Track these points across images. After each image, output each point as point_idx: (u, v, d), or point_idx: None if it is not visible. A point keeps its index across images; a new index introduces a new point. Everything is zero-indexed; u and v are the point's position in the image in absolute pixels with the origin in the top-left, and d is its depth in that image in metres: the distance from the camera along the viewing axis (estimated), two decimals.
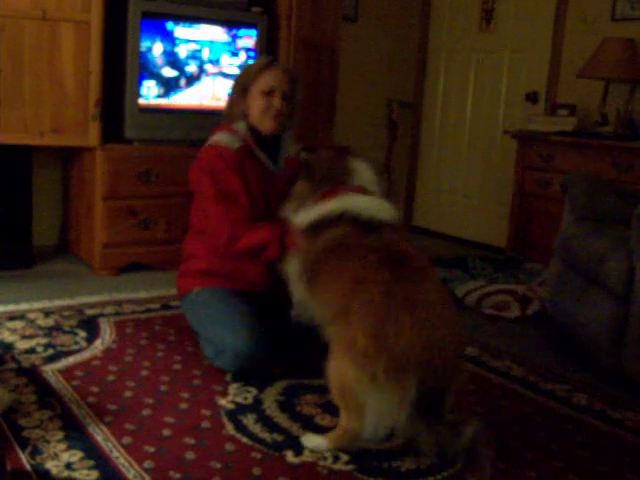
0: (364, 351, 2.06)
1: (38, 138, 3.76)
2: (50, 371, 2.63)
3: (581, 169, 4.12)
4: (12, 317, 3.15)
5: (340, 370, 2.14)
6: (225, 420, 2.35)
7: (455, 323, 2.16)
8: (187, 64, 4.05)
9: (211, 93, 4.18)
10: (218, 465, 2.08)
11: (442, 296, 2.18)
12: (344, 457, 2.18)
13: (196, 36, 4.06)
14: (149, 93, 3.97)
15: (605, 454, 2.34)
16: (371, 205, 2.40)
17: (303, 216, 2.45)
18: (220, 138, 2.83)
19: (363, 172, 2.53)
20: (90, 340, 2.96)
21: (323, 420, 2.40)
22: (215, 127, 2.94)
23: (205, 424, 2.32)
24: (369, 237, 2.29)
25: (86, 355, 2.80)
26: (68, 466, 2.01)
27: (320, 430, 2.32)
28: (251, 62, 3.06)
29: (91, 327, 3.10)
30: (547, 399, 2.73)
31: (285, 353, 2.86)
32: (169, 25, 3.96)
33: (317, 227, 2.39)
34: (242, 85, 2.88)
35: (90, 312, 3.29)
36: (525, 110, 5.03)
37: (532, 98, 5.00)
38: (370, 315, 2.10)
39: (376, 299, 2.11)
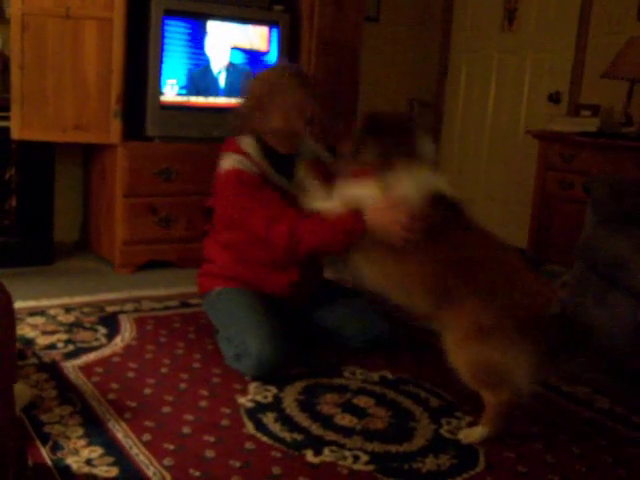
0: (493, 326, 2.25)
1: (60, 135, 3.78)
2: (70, 367, 2.64)
3: (604, 170, 4.07)
4: (33, 313, 3.17)
5: (479, 354, 2.28)
6: (245, 418, 2.35)
7: (534, 277, 2.43)
8: (209, 61, 4.05)
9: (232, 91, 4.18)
10: (237, 464, 2.08)
11: (519, 260, 2.46)
12: (364, 457, 2.17)
13: (218, 33, 4.06)
14: (171, 91, 3.98)
15: (627, 459, 2.31)
16: (446, 183, 2.49)
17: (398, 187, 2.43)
18: (237, 164, 2.71)
19: (426, 141, 2.51)
20: (110, 337, 2.97)
21: (343, 420, 2.39)
22: (224, 146, 2.84)
23: (225, 422, 2.32)
24: (458, 223, 2.44)
25: (106, 351, 2.81)
26: (88, 462, 2.02)
27: (341, 430, 2.32)
28: (270, 71, 2.81)
29: (111, 324, 3.11)
30: (568, 402, 2.70)
31: (305, 351, 2.86)
32: (191, 22, 3.97)
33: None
34: (261, 101, 2.71)
35: (110, 309, 3.30)
36: (547, 110, 4.99)
37: (555, 98, 4.96)
38: (482, 294, 2.30)
39: (480, 279, 2.31)
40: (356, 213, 2.45)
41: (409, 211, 2.34)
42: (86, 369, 2.63)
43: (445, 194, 2.42)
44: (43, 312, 3.19)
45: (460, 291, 2.32)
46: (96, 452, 2.08)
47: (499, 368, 2.27)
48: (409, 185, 2.39)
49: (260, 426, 2.31)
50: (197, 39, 4.00)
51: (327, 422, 2.37)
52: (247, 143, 2.78)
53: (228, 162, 2.74)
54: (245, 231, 2.74)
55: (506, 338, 2.25)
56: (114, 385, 2.52)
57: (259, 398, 2.51)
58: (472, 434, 2.34)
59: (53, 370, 2.60)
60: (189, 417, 2.33)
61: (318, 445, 2.22)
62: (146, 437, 2.18)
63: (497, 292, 2.30)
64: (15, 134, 3.69)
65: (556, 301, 3.68)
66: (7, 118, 3.69)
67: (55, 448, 2.07)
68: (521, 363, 2.25)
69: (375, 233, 2.42)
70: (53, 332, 2.97)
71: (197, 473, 2.01)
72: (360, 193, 2.47)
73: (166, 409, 2.37)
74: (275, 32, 4.22)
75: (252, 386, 2.59)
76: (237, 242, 2.83)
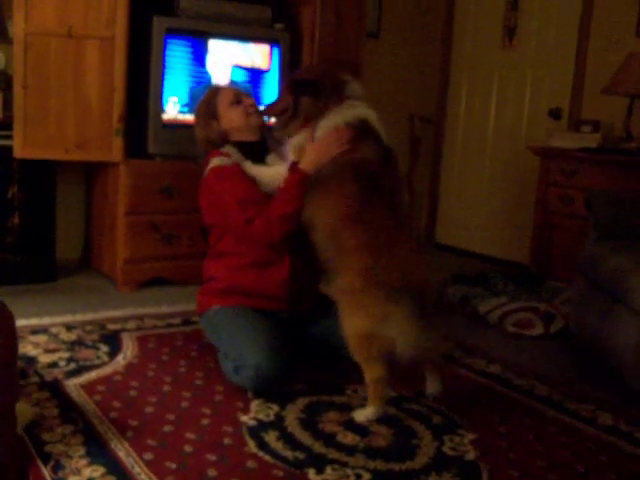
0: (363, 291, 2.40)
1: (63, 153, 3.80)
2: (72, 385, 2.63)
3: (605, 186, 4.08)
4: (35, 331, 3.17)
5: (352, 321, 2.45)
6: (247, 437, 2.34)
7: (422, 257, 2.63)
8: (210, 80, 4.07)
9: None
10: None
11: (412, 239, 2.72)
12: (367, 476, 2.15)
13: (219, 52, 4.08)
14: (172, 109, 4.00)
15: (631, 476, 2.30)
16: (377, 120, 2.68)
17: (323, 129, 2.63)
18: (218, 162, 2.86)
19: (354, 83, 2.74)
20: (112, 355, 2.97)
21: (345, 438, 2.38)
22: (204, 157, 2.98)
23: (227, 441, 2.31)
24: (379, 172, 2.58)
25: (108, 370, 2.81)
26: None
27: (344, 448, 2.31)
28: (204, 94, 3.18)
29: (113, 342, 3.11)
30: (571, 419, 2.69)
31: (306, 369, 2.85)
32: (192, 41, 3.99)
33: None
34: (208, 112, 2.97)
35: (112, 327, 3.30)
36: (548, 126, 5.00)
37: (555, 114, 4.98)
38: (363, 257, 2.44)
39: (369, 242, 2.45)
40: (292, 166, 2.69)
41: (335, 136, 2.60)
42: (88, 387, 2.63)
43: (373, 125, 2.65)
44: (45, 330, 3.19)
45: (345, 259, 2.48)
46: (98, 471, 2.06)
47: (372, 339, 2.41)
48: (334, 119, 2.61)
49: (262, 444, 2.30)
50: (199, 57, 4.03)
51: (329, 440, 2.36)
52: (225, 147, 2.95)
53: (211, 164, 2.88)
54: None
55: (378, 310, 2.38)
56: (116, 404, 2.51)
57: (261, 416, 2.50)
58: (362, 414, 2.50)
59: (55, 389, 2.60)
60: (191, 436, 2.32)
61: (320, 463, 2.21)
62: (148, 456, 2.17)
63: (375, 266, 2.42)
64: (17, 153, 3.71)
65: (560, 315, 3.70)
66: (10, 137, 3.71)
67: (57, 467, 2.06)
68: (395, 332, 2.37)
69: (317, 167, 2.62)
70: (55, 350, 2.97)
71: None
72: (295, 142, 2.71)
73: (168, 428, 2.36)
74: (276, 50, 4.24)
75: (254, 404, 2.59)
76: (231, 244, 2.86)
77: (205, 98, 3.04)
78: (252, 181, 2.81)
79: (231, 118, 2.94)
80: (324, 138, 2.62)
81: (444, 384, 2.73)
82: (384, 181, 2.59)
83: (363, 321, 2.42)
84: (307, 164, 2.64)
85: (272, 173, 2.81)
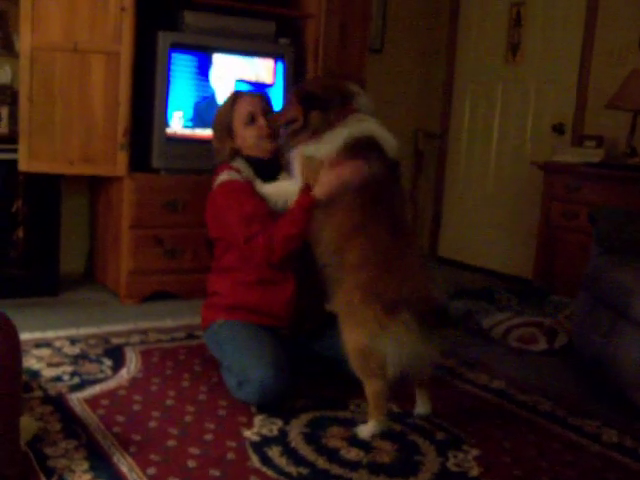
0: (362, 306, 2.41)
1: (68, 167, 3.81)
2: (76, 400, 2.63)
3: (609, 201, 4.08)
4: (39, 345, 3.17)
5: (351, 336, 2.45)
6: (250, 452, 2.33)
7: (426, 272, 2.56)
8: (214, 94, 4.09)
9: None
10: None
11: (417, 254, 2.63)
12: None
13: (224, 66, 4.10)
14: (177, 123, 4.01)
15: None
16: (387, 137, 2.67)
17: (330, 143, 2.61)
18: (227, 176, 2.86)
19: (362, 95, 2.74)
20: (116, 369, 2.96)
21: (349, 453, 2.37)
22: (215, 169, 2.99)
23: (230, 456, 2.30)
24: (386, 189, 2.59)
25: (112, 384, 2.81)
26: None
27: (347, 464, 2.30)
28: (221, 105, 3.15)
29: (117, 356, 3.11)
30: (576, 435, 2.68)
31: (309, 384, 2.85)
32: (197, 55, 4.01)
33: (350, 151, 2.59)
34: (224, 127, 2.96)
35: (116, 341, 3.30)
36: (552, 141, 5.01)
37: (559, 129, 4.98)
38: (364, 271, 2.45)
39: (371, 257, 2.47)
40: (304, 190, 2.66)
41: (352, 168, 2.56)
42: (91, 402, 2.62)
43: (379, 141, 2.64)
44: (49, 344, 3.19)
45: (346, 273, 2.50)
46: None
47: (370, 354, 2.41)
48: (341, 133, 2.59)
49: (266, 460, 2.29)
50: (203, 72, 4.04)
51: (333, 456, 2.35)
52: (236, 161, 2.95)
53: (220, 178, 2.89)
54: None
55: (374, 324, 2.39)
56: (119, 418, 2.51)
57: (265, 431, 2.49)
58: (365, 429, 2.49)
59: (58, 403, 2.59)
60: (195, 450, 2.31)
61: (324, 479, 2.20)
62: (151, 471, 2.17)
63: (375, 281, 2.43)
64: (23, 166, 3.73)
65: (563, 331, 3.69)
66: (15, 150, 3.72)
67: None
68: (391, 347, 2.38)
69: (330, 195, 2.59)
70: (59, 364, 2.97)
71: None
72: (302, 152, 2.67)
73: (171, 442, 2.36)
74: (281, 65, 4.26)
75: (258, 419, 2.58)
76: (235, 259, 2.87)
77: (222, 111, 3.01)
78: (261, 199, 2.81)
79: (244, 137, 2.93)
80: (341, 168, 2.57)
81: (434, 404, 2.71)
82: (388, 195, 2.60)
83: (360, 335, 2.43)
84: (321, 192, 2.61)
85: (280, 190, 2.80)
